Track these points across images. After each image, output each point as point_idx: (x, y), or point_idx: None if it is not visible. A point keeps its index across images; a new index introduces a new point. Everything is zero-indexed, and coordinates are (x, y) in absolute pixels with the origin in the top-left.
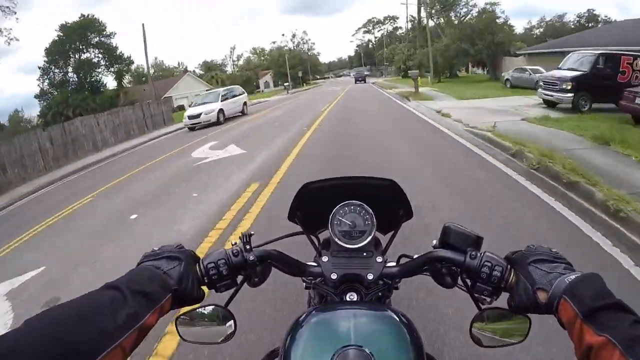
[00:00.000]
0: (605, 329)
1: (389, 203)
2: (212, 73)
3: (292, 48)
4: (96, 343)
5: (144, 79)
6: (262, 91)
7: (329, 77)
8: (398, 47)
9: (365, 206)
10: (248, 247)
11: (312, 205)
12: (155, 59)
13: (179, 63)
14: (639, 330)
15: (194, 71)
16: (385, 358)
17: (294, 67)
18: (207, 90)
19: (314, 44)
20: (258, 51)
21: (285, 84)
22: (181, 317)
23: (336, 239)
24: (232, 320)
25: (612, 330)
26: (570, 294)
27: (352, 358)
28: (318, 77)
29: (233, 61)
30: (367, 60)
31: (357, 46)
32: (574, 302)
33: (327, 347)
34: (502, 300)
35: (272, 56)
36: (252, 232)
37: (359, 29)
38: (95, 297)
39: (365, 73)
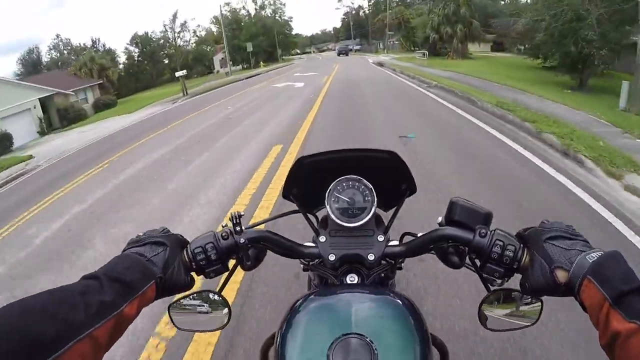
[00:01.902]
0: (636, 315)
1: (390, 177)
2: (87, 55)
3: (251, 11)
4: (61, 333)
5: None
6: (218, 71)
7: (310, 52)
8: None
9: (364, 181)
10: (238, 228)
11: (308, 181)
12: (57, 37)
13: (94, 40)
14: None
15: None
16: (386, 346)
17: (253, 38)
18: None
19: (283, 4)
20: (220, 19)
21: (179, 73)
22: (174, 304)
23: (334, 217)
24: (226, 306)
25: None
26: (596, 274)
27: (352, 346)
28: (299, 52)
29: (176, 32)
30: (358, 31)
31: (345, 14)
32: (601, 284)
33: (326, 334)
34: (513, 282)
35: (224, 23)
36: (242, 213)
37: None
38: (68, 287)
39: (355, 47)
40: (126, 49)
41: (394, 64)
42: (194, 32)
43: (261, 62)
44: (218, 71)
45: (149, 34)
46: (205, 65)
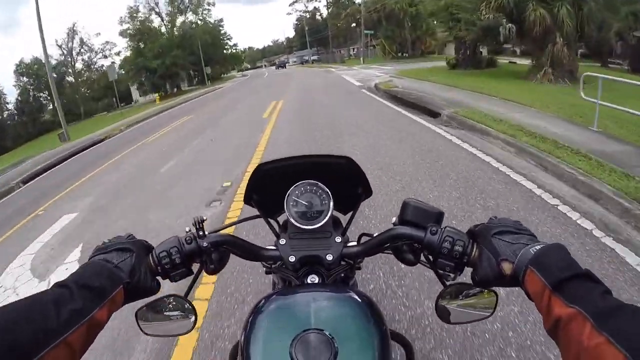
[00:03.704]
0: (575, 300)
1: (346, 181)
2: None
3: (164, 18)
4: (38, 340)
5: None
6: (136, 102)
7: (261, 66)
8: None
9: (321, 185)
10: (201, 233)
11: (268, 187)
12: None
13: None
14: (609, 301)
15: None
16: (346, 340)
17: (164, 53)
18: None
19: (211, 3)
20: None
21: None
22: (141, 310)
23: (293, 221)
24: (192, 311)
25: (582, 302)
26: (537, 264)
27: (312, 342)
28: (249, 66)
29: (75, 54)
30: (314, 37)
31: (297, 20)
32: (541, 273)
33: (287, 332)
34: (468, 276)
35: (128, 36)
36: (204, 218)
37: None
38: (41, 296)
39: (312, 58)
40: (18, 80)
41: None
42: (102, 51)
43: (157, 95)
44: (137, 101)
45: (41, 60)
46: (117, 96)
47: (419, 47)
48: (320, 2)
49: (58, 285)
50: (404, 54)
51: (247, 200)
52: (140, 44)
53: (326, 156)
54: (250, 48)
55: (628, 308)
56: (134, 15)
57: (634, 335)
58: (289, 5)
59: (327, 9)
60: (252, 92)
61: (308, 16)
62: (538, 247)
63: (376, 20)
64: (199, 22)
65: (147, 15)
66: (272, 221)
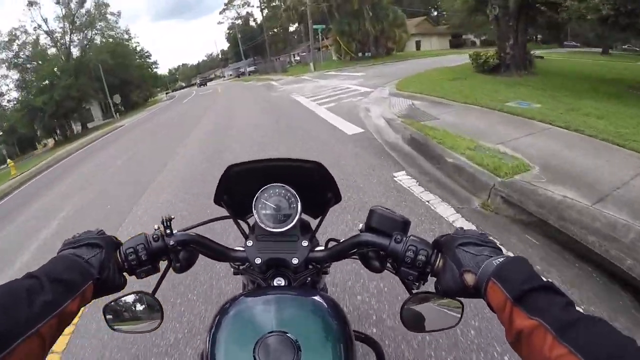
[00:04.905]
0: (537, 312)
1: (316, 186)
2: None
3: (55, 38)
4: (11, 330)
5: None
6: (45, 145)
7: (195, 84)
8: None
9: (289, 189)
10: (168, 231)
11: (238, 188)
12: None
13: None
14: (571, 314)
15: None
16: (308, 342)
17: (55, 85)
18: None
19: (115, 14)
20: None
21: None
22: (108, 306)
23: (260, 223)
24: (159, 308)
25: (544, 314)
26: (499, 276)
27: (275, 344)
28: (183, 85)
29: None
30: (248, 45)
31: (229, 29)
32: (503, 285)
33: (251, 333)
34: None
35: (16, 67)
36: (172, 217)
37: None
38: (13, 286)
39: (248, 69)
40: None
41: None
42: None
43: (10, 162)
44: (46, 144)
45: None
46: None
47: (383, 44)
48: (252, 6)
49: (29, 275)
50: (366, 54)
51: (218, 200)
52: (24, 75)
53: (297, 160)
54: (184, 65)
55: (589, 320)
56: (13, 39)
57: (595, 346)
58: (220, 14)
59: (261, 10)
60: (133, 144)
61: (241, 22)
62: (501, 259)
63: (326, 11)
64: (103, 39)
65: (35, 37)
66: (242, 222)
